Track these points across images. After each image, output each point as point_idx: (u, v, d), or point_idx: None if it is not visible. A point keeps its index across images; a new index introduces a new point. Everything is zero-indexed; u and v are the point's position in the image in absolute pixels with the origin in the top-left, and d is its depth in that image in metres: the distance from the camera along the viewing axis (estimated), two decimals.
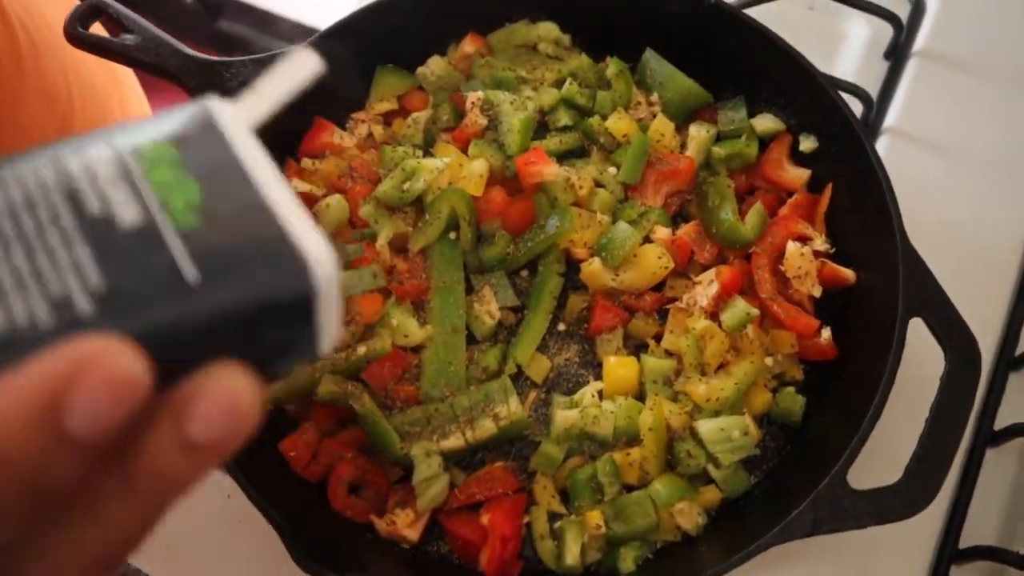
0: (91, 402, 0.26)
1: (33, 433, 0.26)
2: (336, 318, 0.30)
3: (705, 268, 0.80)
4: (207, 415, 0.28)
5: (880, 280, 0.76)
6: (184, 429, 0.28)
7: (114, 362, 0.26)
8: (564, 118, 0.84)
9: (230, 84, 0.81)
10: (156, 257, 0.28)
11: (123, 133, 0.31)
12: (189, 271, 0.28)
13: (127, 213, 0.29)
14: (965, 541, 0.79)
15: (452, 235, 0.81)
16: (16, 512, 0.27)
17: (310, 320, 0.30)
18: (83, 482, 0.28)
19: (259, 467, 0.73)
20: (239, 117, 0.33)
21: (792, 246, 0.79)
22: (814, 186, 0.84)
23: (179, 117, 0.33)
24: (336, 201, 0.81)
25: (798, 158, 0.85)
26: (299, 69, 0.36)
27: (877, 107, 0.94)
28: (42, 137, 0.80)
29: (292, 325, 0.30)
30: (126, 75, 1.01)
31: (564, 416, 0.75)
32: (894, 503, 0.65)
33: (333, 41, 0.84)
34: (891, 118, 0.95)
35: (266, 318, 0.29)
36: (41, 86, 0.79)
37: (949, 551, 0.78)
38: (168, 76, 0.83)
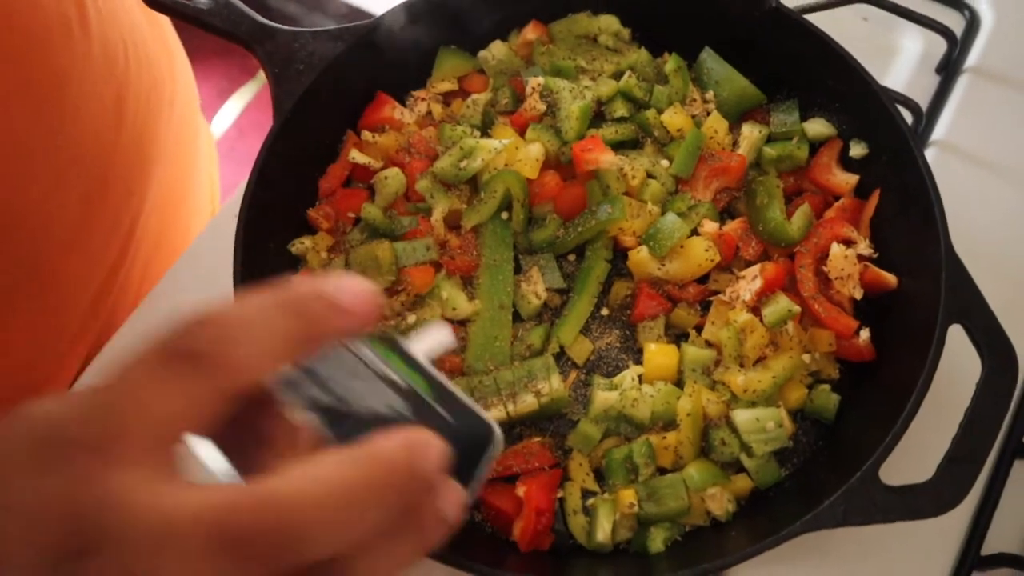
0: (432, 460, 0.38)
1: (399, 475, 0.38)
2: (487, 473, 0.45)
3: (749, 264, 0.82)
4: (450, 501, 0.40)
5: (921, 286, 0.77)
6: (442, 508, 0.40)
7: (435, 442, 0.39)
8: (621, 109, 0.86)
9: (299, 54, 0.84)
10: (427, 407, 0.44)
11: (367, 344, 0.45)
12: (448, 416, 0.43)
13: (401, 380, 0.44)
14: (988, 548, 0.80)
15: (504, 215, 0.83)
16: (368, 530, 0.38)
17: (479, 462, 0.43)
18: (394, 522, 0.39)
19: None
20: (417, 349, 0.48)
21: (836, 248, 0.80)
22: (861, 191, 0.85)
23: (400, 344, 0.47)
24: (394, 174, 0.84)
25: (847, 163, 0.86)
26: (439, 339, 0.50)
27: (926, 119, 0.96)
28: (100, 100, 0.82)
29: (476, 463, 0.43)
30: (176, 45, 1.04)
31: (604, 397, 0.77)
32: (924, 501, 0.67)
33: (399, 18, 0.86)
34: (939, 131, 0.96)
35: (469, 453, 0.43)
36: (103, 50, 0.81)
37: (972, 557, 0.80)
38: (238, 41, 0.85)
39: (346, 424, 0.41)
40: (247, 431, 0.43)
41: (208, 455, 0.42)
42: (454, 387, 0.45)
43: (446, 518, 0.40)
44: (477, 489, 0.43)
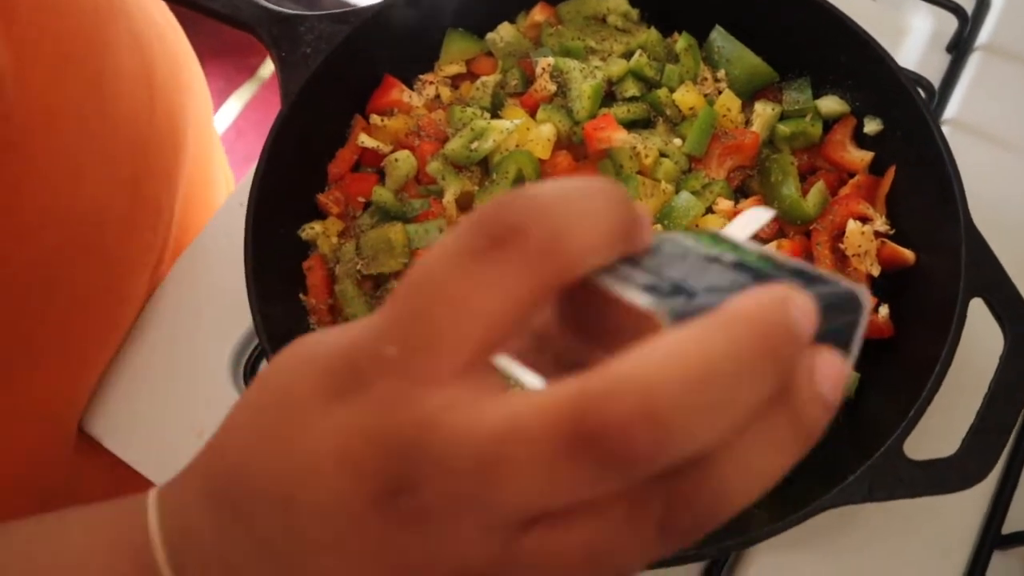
0: (808, 318, 0.29)
1: (775, 337, 0.28)
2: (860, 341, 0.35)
3: (765, 242, 0.81)
4: (828, 376, 0.31)
5: (940, 261, 0.76)
6: (819, 384, 0.30)
7: (804, 296, 0.29)
8: (632, 89, 0.86)
9: (306, 37, 0.83)
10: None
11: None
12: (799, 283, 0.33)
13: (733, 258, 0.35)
14: (1008, 527, 0.79)
15: None
16: (741, 416, 0.29)
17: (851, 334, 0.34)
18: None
19: None
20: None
21: (853, 225, 0.80)
22: (876, 168, 0.85)
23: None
24: (404, 156, 0.83)
25: (861, 140, 0.86)
26: (757, 217, 0.41)
27: (938, 98, 0.95)
28: (135, 77, 0.81)
29: (851, 331, 0.34)
30: (179, 25, 1.03)
31: None
32: (950, 474, 0.66)
33: (404, 2, 0.85)
34: (951, 110, 0.95)
35: (841, 321, 0.33)
36: (128, 25, 0.80)
37: (992, 536, 0.79)
38: (242, 26, 0.84)
39: (689, 304, 0.31)
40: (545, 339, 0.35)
41: (514, 366, 0.33)
42: (795, 260, 0.36)
43: (825, 399, 0.31)
44: (851, 366, 0.34)
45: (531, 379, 0.32)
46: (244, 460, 0.36)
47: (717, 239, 0.37)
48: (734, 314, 0.28)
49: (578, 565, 0.30)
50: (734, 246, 0.36)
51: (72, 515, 0.44)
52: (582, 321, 0.34)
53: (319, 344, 0.35)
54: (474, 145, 0.81)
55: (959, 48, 0.98)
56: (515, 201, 0.30)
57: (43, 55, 0.67)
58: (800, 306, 0.29)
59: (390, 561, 0.32)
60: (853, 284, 0.33)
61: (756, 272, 0.33)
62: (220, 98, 2.49)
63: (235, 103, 2.51)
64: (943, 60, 0.99)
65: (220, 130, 2.44)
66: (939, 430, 0.69)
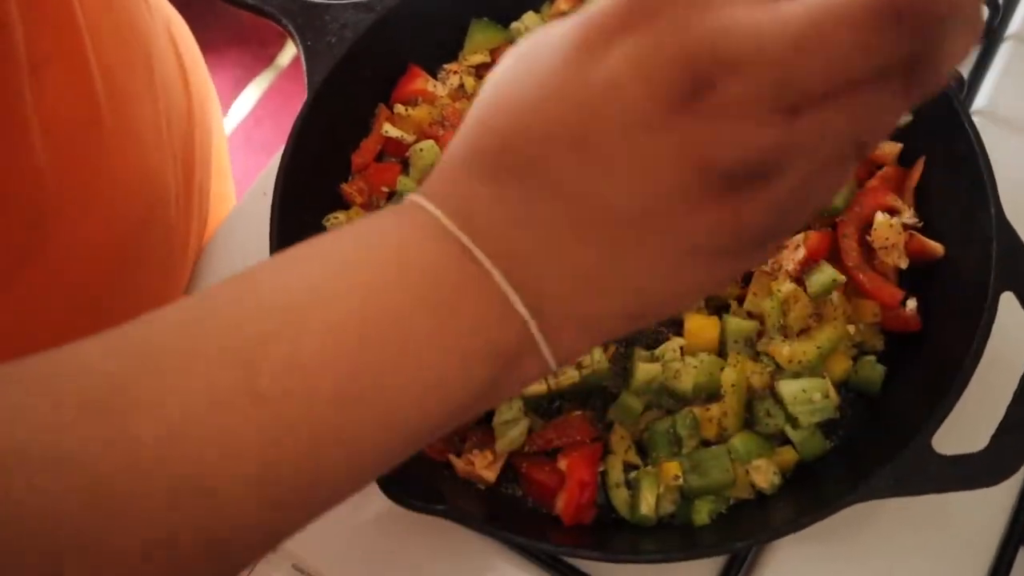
0: None
1: None
2: None
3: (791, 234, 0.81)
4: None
5: (969, 254, 0.76)
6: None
7: None
8: None
9: (331, 26, 0.83)
10: None
11: None
12: None
13: None
14: None
15: None
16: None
17: None
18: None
19: None
20: None
21: (880, 217, 0.79)
22: (905, 160, 0.84)
23: None
24: (429, 146, 0.83)
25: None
26: None
27: (967, 88, 0.94)
28: (130, 65, 0.82)
29: None
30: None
31: (646, 369, 0.76)
32: (979, 470, 0.66)
33: None
34: (981, 100, 0.94)
35: None
36: (128, 20, 0.81)
37: (1018, 532, 0.78)
38: (268, 15, 0.84)
39: None
40: None
41: None
42: None
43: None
44: None
45: None
46: (523, 116, 0.37)
47: None
48: None
49: (845, 131, 0.35)
50: None
51: (336, 237, 0.41)
52: None
53: (575, 15, 0.37)
54: None
55: (989, 37, 0.97)
56: None
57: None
58: None
59: (685, 159, 0.35)
60: None
61: None
62: (238, 87, 2.49)
63: (253, 91, 2.51)
64: (974, 49, 0.97)
65: (238, 118, 2.44)
66: (968, 425, 0.69)
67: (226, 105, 2.43)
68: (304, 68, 0.81)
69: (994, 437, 0.67)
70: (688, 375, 0.75)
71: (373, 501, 0.67)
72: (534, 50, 0.38)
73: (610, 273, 0.39)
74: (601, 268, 0.39)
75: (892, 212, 0.80)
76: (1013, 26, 0.97)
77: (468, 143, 0.40)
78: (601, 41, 0.35)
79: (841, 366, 0.77)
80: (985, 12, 0.31)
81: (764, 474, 0.73)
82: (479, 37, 0.90)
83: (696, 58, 0.34)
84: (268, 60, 2.55)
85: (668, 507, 0.74)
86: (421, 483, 0.72)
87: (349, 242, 0.40)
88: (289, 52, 2.47)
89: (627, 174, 0.36)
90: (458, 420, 0.41)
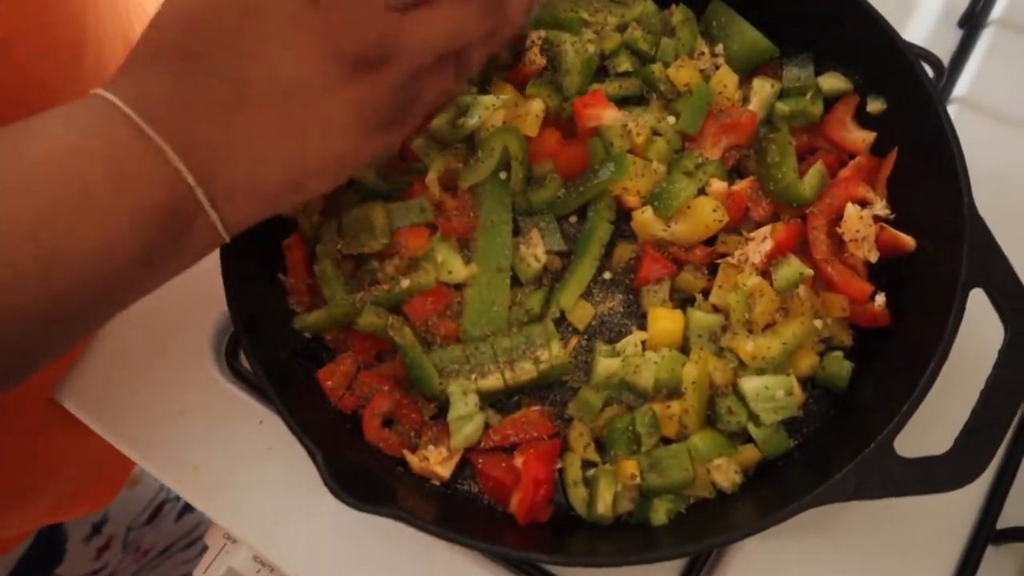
0: None
1: None
2: None
3: (759, 225, 0.78)
4: None
5: (940, 249, 0.73)
6: None
7: None
8: (625, 63, 0.82)
9: None
10: None
11: None
12: None
13: None
14: (1004, 522, 0.77)
15: (503, 175, 0.79)
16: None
17: None
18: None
19: (295, 395, 0.73)
20: None
21: (851, 209, 0.76)
22: (878, 149, 0.81)
23: None
24: None
25: (863, 120, 0.82)
26: None
27: (948, 75, 0.91)
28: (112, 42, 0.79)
29: None
30: None
31: (606, 364, 0.74)
32: (941, 474, 0.64)
33: None
34: (961, 87, 0.92)
35: None
36: None
37: (986, 531, 0.77)
38: None
39: None
40: None
41: None
42: None
43: None
44: None
45: None
46: (194, 12, 0.50)
47: None
48: None
49: (441, 33, 0.52)
50: None
51: (28, 125, 0.50)
52: None
53: None
54: (459, 121, 0.78)
55: (972, 22, 0.94)
56: None
57: None
58: None
59: (324, 43, 0.50)
60: None
61: None
62: None
63: None
64: (955, 35, 0.95)
65: None
66: (932, 425, 0.67)
67: None
68: None
69: (958, 439, 0.65)
70: (649, 371, 0.73)
71: (329, 494, 0.66)
72: None
73: (271, 145, 0.51)
74: (264, 141, 0.50)
75: (863, 203, 0.78)
76: (996, 11, 0.94)
77: (147, 39, 0.51)
78: None
79: (807, 361, 0.75)
80: None
81: (725, 473, 0.72)
82: None
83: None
84: None
85: (626, 506, 0.72)
86: (372, 482, 0.70)
87: (53, 123, 0.50)
88: None
89: (278, 60, 0.49)
90: (146, 277, 0.54)
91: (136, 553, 1.22)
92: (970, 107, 0.91)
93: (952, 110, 0.90)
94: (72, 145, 0.49)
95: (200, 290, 0.82)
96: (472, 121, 0.78)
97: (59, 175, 0.48)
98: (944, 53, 0.92)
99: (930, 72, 0.89)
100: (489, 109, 0.78)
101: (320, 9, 0.48)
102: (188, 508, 1.31)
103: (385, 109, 0.54)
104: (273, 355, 0.74)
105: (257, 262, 0.77)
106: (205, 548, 0.90)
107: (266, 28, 0.48)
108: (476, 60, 0.62)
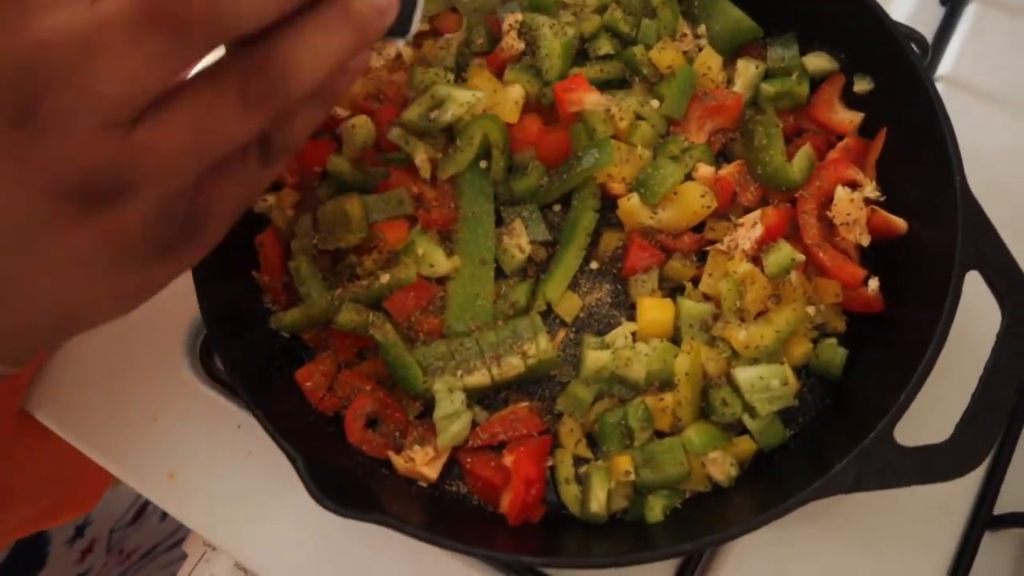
0: None
1: None
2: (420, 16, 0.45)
3: (748, 210, 0.76)
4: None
5: (934, 231, 0.72)
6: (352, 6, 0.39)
7: None
8: (606, 46, 0.80)
9: None
10: None
11: None
12: None
13: None
14: (1000, 508, 0.76)
15: (483, 164, 0.77)
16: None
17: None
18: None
19: (273, 397, 0.70)
20: None
21: (841, 191, 0.75)
22: (866, 130, 0.79)
23: None
24: (362, 122, 0.77)
25: (850, 100, 0.80)
26: None
27: (932, 53, 0.90)
28: None
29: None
30: None
31: (595, 357, 0.71)
32: (942, 462, 0.62)
33: None
34: (946, 65, 0.90)
35: None
36: None
37: (983, 517, 0.76)
38: None
39: None
40: None
41: None
42: None
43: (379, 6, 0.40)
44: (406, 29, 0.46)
45: None
46: None
47: None
48: None
49: (187, 145, 0.37)
50: None
51: None
52: None
53: None
54: (433, 114, 0.76)
55: (953, 0, 0.93)
56: None
57: None
58: None
59: (25, 175, 0.36)
60: None
61: None
62: None
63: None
64: (937, 12, 0.93)
65: None
66: (930, 412, 0.65)
67: None
68: None
69: (958, 426, 0.63)
70: (640, 363, 0.71)
71: (312, 501, 0.63)
72: None
73: (5, 292, 0.40)
74: None
75: (853, 186, 0.76)
76: None
77: None
78: None
79: (801, 349, 0.73)
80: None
81: (721, 466, 0.70)
82: None
83: (12, 74, 0.35)
84: None
85: (620, 503, 0.70)
86: (355, 484, 0.67)
87: None
88: None
89: None
90: None
91: (120, 555, 1.19)
92: (954, 85, 0.90)
93: (938, 88, 0.88)
94: None
95: (172, 288, 0.79)
96: (445, 116, 0.75)
97: None
98: (927, 31, 0.90)
99: (915, 50, 0.87)
100: (464, 106, 0.75)
101: (25, 133, 0.36)
102: None
103: (154, 237, 0.42)
104: (249, 356, 0.71)
105: (229, 260, 0.74)
106: (185, 556, 0.87)
107: None
108: (296, 137, 0.46)
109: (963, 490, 0.76)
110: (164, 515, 1.27)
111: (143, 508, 1.22)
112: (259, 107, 0.38)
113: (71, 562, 1.11)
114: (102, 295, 0.43)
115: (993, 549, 0.76)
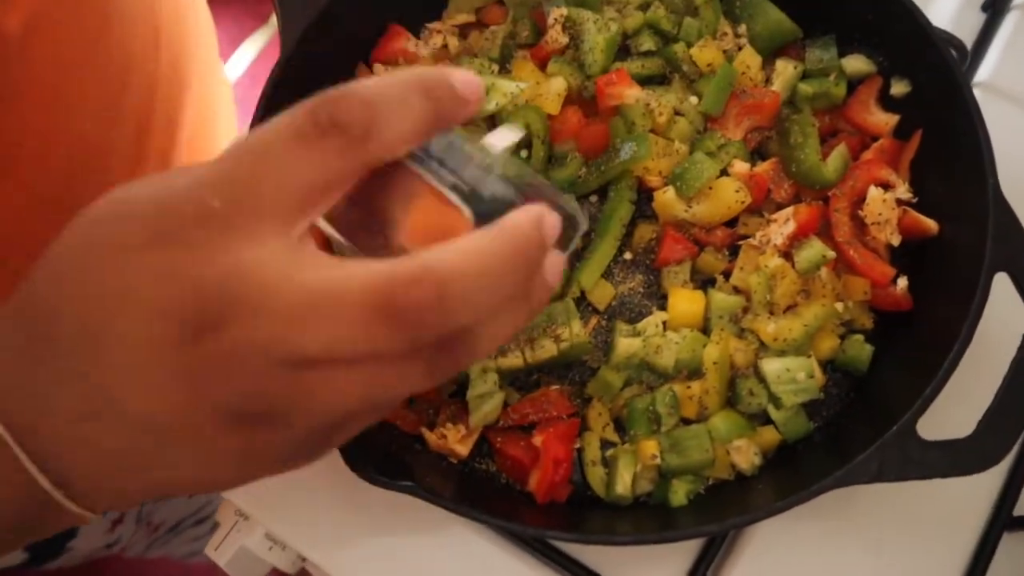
0: (553, 234, 0.39)
1: (533, 247, 0.38)
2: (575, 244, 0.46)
3: (780, 207, 0.78)
4: (552, 271, 0.41)
5: (964, 232, 0.73)
6: (547, 275, 0.41)
7: (552, 216, 0.39)
8: (648, 43, 0.82)
9: None
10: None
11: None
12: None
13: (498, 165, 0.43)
14: (1020, 509, 0.77)
15: (524, 153, 0.79)
16: (502, 299, 0.38)
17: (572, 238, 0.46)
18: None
19: None
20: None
21: (874, 191, 0.76)
22: (901, 132, 0.81)
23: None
24: None
25: (887, 102, 0.81)
26: (509, 134, 0.50)
27: (971, 59, 0.90)
28: (138, 25, 0.78)
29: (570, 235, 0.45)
30: None
31: (626, 343, 0.73)
32: (965, 456, 0.63)
33: None
34: (984, 72, 0.91)
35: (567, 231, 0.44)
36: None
37: (1003, 518, 0.76)
38: None
39: (473, 202, 0.41)
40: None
41: (326, 226, 0.41)
42: (535, 176, 0.46)
43: (551, 285, 0.41)
44: (566, 262, 0.47)
45: (339, 239, 0.41)
46: (56, 294, 0.39)
47: (483, 147, 0.45)
48: (511, 227, 0.37)
49: (356, 395, 0.37)
50: (491, 155, 0.44)
51: None
52: (379, 194, 0.41)
53: (143, 190, 0.38)
54: None
55: (995, 6, 0.93)
56: (342, 98, 0.37)
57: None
58: (551, 223, 0.39)
59: (190, 388, 0.37)
60: (575, 207, 0.45)
61: (516, 186, 0.42)
62: (232, 44, 2.45)
63: (249, 50, 2.46)
64: (978, 19, 0.94)
65: (233, 77, 2.40)
66: (955, 410, 0.66)
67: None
68: (279, 25, 0.78)
69: (981, 422, 0.64)
70: (670, 351, 0.73)
71: (345, 472, 0.65)
72: (100, 220, 0.38)
73: (135, 461, 0.41)
74: (124, 456, 0.41)
75: (886, 186, 0.77)
76: None
77: (20, 294, 0.41)
78: (146, 242, 0.36)
79: (828, 344, 0.75)
80: (554, 280, 0.41)
81: (745, 455, 0.71)
82: None
83: (209, 294, 0.35)
84: (262, 19, 2.50)
85: (645, 486, 0.72)
86: (389, 457, 0.70)
87: None
88: None
89: (141, 389, 0.38)
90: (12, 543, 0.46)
91: (148, 527, 1.22)
92: (992, 91, 0.90)
93: (975, 94, 0.89)
94: None
95: None
96: (488, 107, 0.77)
97: None
98: (967, 37, 0.91)
99: (954, 55, 0.88)
100: (507, 97, 0.77)
101: (193, 349, 0.36)
102: None
103: (284, 455, 0.42)
104: None
105: None
106: (216, 525, 0.90)
107: (127, 344, 0.37)
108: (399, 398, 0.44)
109: (983, 490, 0.77)
110: None
111: None
112: (437, 376, 0.39)
113: (102, 531, 1.13)
114: (214, 482, 0.44)
115: (1012, 550, 0.77)
